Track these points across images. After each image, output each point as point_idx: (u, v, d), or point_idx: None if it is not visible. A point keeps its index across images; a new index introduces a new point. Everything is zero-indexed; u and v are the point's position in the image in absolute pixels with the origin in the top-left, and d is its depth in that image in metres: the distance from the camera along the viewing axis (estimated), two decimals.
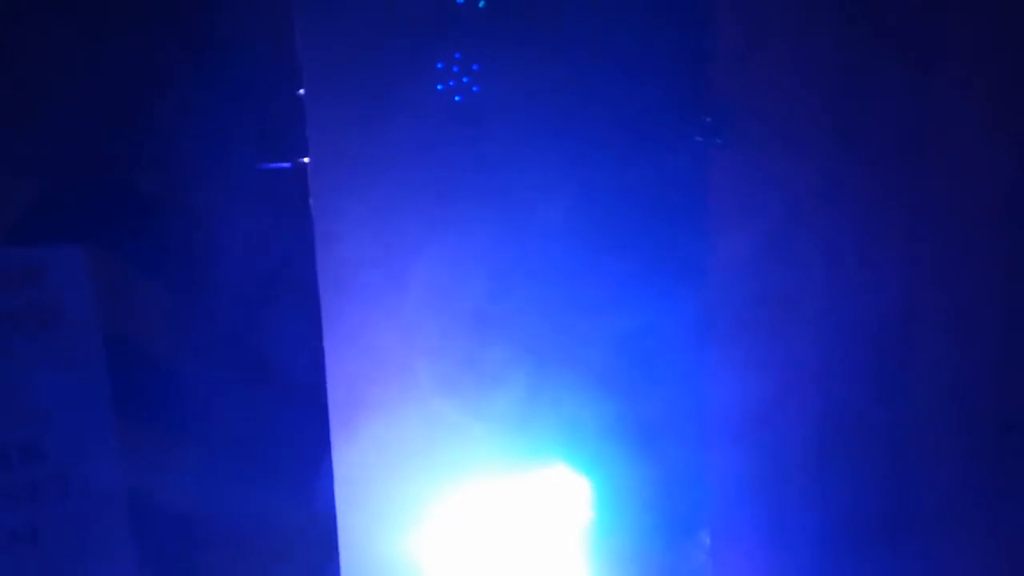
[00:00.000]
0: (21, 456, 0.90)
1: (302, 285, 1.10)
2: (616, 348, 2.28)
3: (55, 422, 0.92)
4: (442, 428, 2.09)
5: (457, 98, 2.09)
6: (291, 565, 1.12)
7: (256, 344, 1.08)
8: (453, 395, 2.09)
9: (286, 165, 1.04)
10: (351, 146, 1.76)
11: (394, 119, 1.95)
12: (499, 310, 2.16)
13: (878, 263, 2.28)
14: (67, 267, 0.92)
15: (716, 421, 2.45)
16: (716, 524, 2.49)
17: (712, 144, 2.34)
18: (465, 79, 2.09)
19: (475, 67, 2.09)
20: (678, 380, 2.40)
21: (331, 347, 1.42)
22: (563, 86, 2.19)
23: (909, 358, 2.29)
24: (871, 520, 2.32)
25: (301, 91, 1.05)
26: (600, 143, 2.27)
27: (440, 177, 2.08)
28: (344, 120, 1.72)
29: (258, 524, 1.08)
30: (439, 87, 2.05)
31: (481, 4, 2.13)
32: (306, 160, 1.07)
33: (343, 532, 1.45)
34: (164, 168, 0.97)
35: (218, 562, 1.05)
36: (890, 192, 2.25)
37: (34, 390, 0.91)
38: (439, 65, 2.02)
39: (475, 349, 2.12)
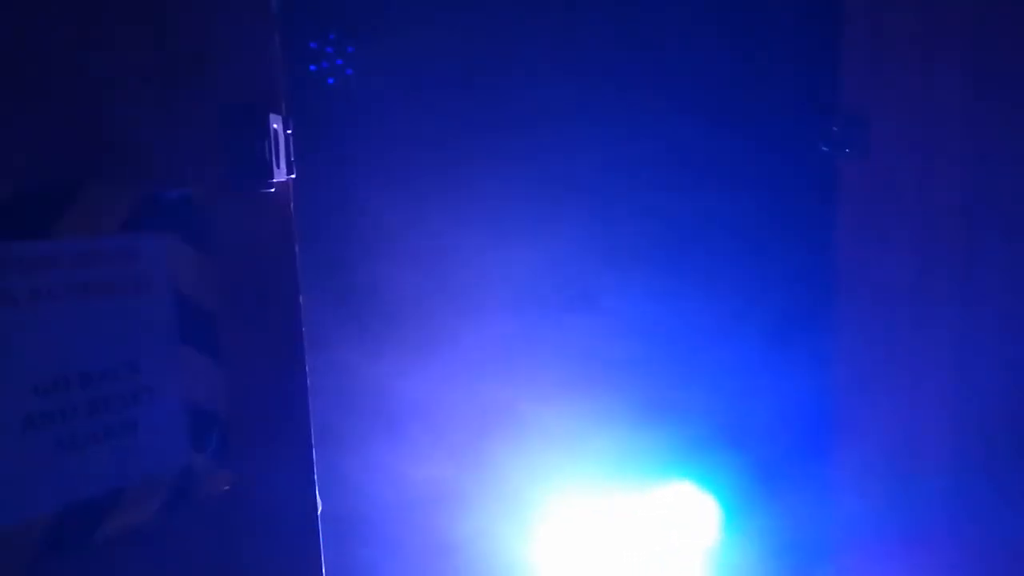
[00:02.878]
0: (127, 372, 1.37)
1: (286, 263, 1.62)
2: (744, 369, 2.12)
3: (145, 351, 1.39)
4: (575, 441, 2.06)
5: (330, 80, 2.02)
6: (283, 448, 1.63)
7: (258, 302, 1.58)
8: (586, 409, 2.06)
9: (282, 179, 1.55)
10: None
11: None
12: (629, 331, 2.08)
13: (1018, 283, 1.98)
14: (154, 250, 1.39)
15: (845, 453, 2.20)
16: (841, 556, 2.25)
17: (840, 155, 2.03)
18: (339, 61, 1.96)
19: (350, 49, 1.97)
20: (808, 409, 2.18)
21: (469, 360, 1.57)
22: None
23: None
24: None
25: (289, 131, 1.57)
26: (717, 152, 2.04)
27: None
28: None
29: (263, 419, 1.58)
30: (312, 68, 1.94)
31: None
32: (293, 176, 1.59)
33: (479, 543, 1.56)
34: (208, 188, 1.45)
35: (240, 445, 1.54)
36: None
37: (133, 330, 1.38)
38: (312, 45, 1.95)
39: (610, 368, 2.08)
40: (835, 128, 2.03)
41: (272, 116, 1.46)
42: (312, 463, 1.69)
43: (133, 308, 1.37)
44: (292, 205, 1.60)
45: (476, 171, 2.09)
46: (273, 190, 1.52)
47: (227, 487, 1.51)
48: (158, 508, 1.42)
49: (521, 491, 2.13)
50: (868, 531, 2.18)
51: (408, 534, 2.01)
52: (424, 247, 2.04)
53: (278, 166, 1.48)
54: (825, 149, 2.05)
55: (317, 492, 1.85)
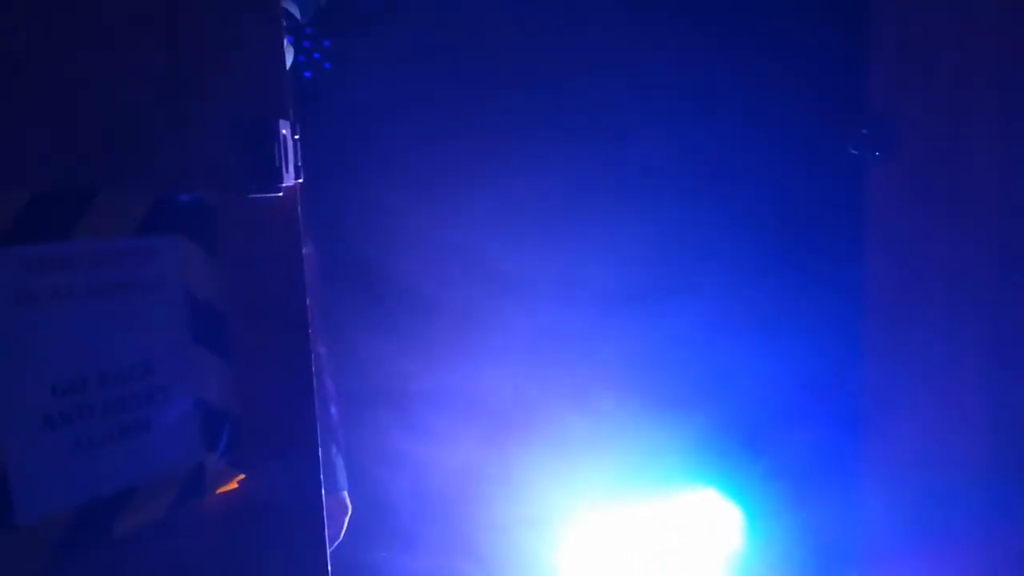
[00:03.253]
0: (142, 372, 1.40)
1: (293, 265, 1.65)
2: (770, 373, 2.07)
3: (159, 351, 1.42)
4: (596, 444, 2.03)
5: (307, 74, 1.99)
6: (294, 450, 1.66)
7: (266, 303, 1.62)
8: (609, 412, 2.03)
9: (290, 183, 1.59)
10: None
11: None
12: (653, 334, 2.05)
13: None
14: (167, 252, 1.42)
15: (873, 458, 2.11)
16: (867, 563, 2.17)
17: (869, 157, 1.95)
18: (316, 55, 1.94)
19: (327, 43, 1.97)
20: (833, 414, 2.14)
21: (490, 363, 1.55)
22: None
23: None
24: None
25: (297, 136, 1.60)
26: (743, 155, 2.01)
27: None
28: None
29: (272, 418, 1.62)
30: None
31: None
32: (300, 180, 1.62)
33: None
34: (219, 192, 1.49)
35: (250, 444, 1.58)
36: None
37: (147, 330, 1.41)
38: (289, 39, 1.83)
39: (633, 371, 2.05)
40: (864, 130, 1.96)
41: (281, 122, 1.50)
42: (318, 461, 1.72)
43: (147, 309, 1.40)
44: (299, 209, 1.64)
45: (493, 171, 2.12)
46: (281, 194, 1.56)
47: (237, 485, 1.54)
48: (170, 505, 1.44)
49: (542, 493, 2.13)
50: (896, 538, 2.11)
51: (427, 535, 2.02)
52: (444, 246, 2.07)
53: (287, 171, 1.52)
54: (854, 151, 1.97)
55: (347, 495, 1.88)
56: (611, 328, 2.14)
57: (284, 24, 1.84)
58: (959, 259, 1.94)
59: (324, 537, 1.73)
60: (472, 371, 2.07)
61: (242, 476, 1.55)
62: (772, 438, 2.17)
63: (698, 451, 2.18)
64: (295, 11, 1.90)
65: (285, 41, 1.87)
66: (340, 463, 2.30)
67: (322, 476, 1.67)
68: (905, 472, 2.06)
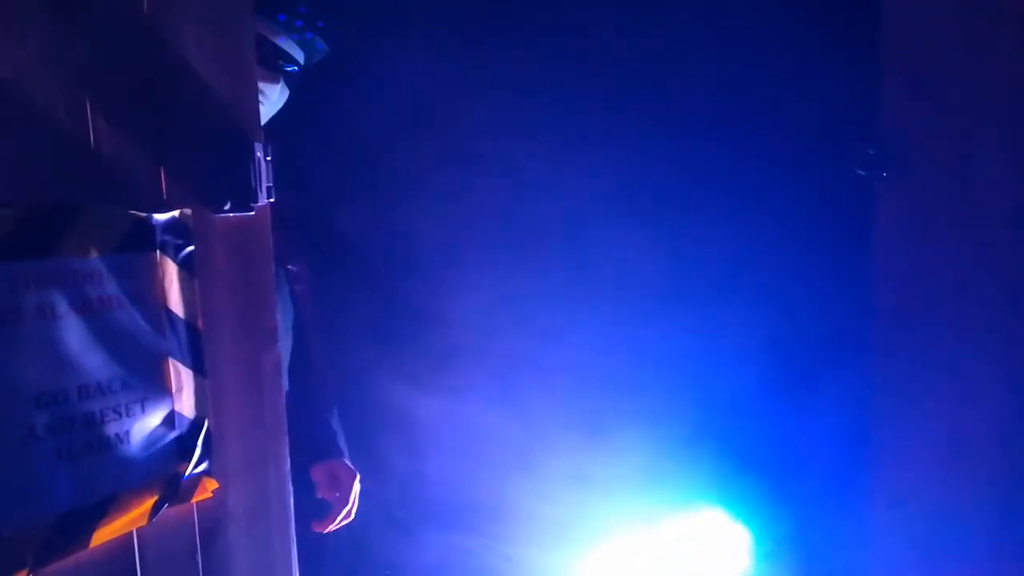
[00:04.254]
0: (121, 387, 1.44)
1: (264, 282, 1.71)
2: (780, 393, 2.06)
3: (137, 365, 1.47)
4: (605, 466, 2.02)
5: (300, 54, 1.93)
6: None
7: (239, 318, 1.67)
8: (615, 434, 2.02)
9: (263, 203, 1.65)
10: None
11: None
12: (661, 357, 2.03)
13: None
14: (146, 267, 1.47)
15: (879, 481, 2.08)
16: None
17: (876, 178, 1.93)
18: (308, 35, 1.89)
19: (320, 23, 1.91)
20: (841, 436, 2.10)
21: (509, 374, 1.53)
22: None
23: None
24: None
25: (269, 157, 1.67)
26: (753, 177, 1.97)
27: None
28: None
29: (244, 429, 1.67)
30: (279, 40, 1.85)
31: None
32: (272, 200, 1.69)
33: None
34: (195, 212, 1.55)
35: (222, 454, 1.63)
36: None
37: (126, 345, 1.46)
38: (281, 17, 1.86)
39: (640, 394, 2.04)
40: (871, 151, 1.92)
41: (256, 144, 1.57)
42: (288, 471, 1.78)
43: (126, 324, 1.45)
44: (270, 227, 1.70)
45: (500, 178, 2.10)
46: (254, 213, 1.62)
47: (211, 494, 1.60)
48: (148, 514, 1.49)
49: (552, 517, 2.13)
50: (904, 560, 2.09)
51: (433, 559, 2.02)
52: (448, 262, 2.08)
53: (260, 191, 1.59)
54: (861, 172, 1.93)
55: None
56: (621, 348, 2.14)
57: (286, 69, 1.86)
58: (967, 281, 1.95)
59: (292, 544, 1.78)
60: (482, 384, 2.08)
61: (216, 485, 1.60)
62: (780, 459, 2.18)
63: (707, 472, 2.19)
64: (299, 55, 1.96)
65: (280, 82, 1.94)
66: (340, 431, 2.35)
67: (325, 445, 1.67)
68: (914, 494, 2.08)
